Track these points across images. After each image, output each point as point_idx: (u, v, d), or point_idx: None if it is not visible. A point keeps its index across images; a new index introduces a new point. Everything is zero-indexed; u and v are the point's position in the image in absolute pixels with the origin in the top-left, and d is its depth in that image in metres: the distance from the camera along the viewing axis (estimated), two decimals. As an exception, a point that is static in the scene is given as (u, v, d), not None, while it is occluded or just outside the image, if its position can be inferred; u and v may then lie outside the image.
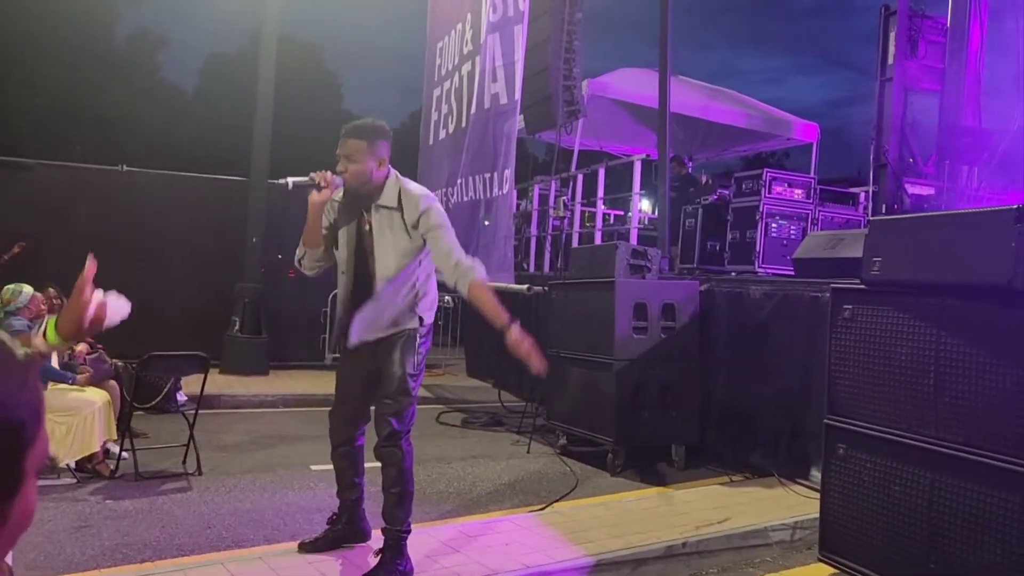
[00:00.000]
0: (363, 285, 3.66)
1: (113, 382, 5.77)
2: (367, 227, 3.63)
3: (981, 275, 2.92)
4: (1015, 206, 2.83)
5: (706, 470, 5.97)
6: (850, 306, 3.58)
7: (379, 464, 3.66)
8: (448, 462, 6.17)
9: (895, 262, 3.34)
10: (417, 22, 11.52)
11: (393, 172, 3.65)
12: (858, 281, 3.58)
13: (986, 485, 2.92)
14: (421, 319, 3.67)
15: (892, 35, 8.91)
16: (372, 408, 3.75)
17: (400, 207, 3.57)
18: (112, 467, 5.33)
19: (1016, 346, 2.85)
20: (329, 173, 3.51)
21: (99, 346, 5.95)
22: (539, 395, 7.38)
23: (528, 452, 6.58)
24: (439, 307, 12.65)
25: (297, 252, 3.74)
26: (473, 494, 5.33)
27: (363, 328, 3.62)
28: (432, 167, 10.12)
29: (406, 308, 3.63)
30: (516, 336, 3.39)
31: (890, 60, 8.88)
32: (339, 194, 3.66)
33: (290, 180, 3.49)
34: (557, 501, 5.04)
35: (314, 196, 3.51)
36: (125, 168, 10.22)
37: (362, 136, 3.53)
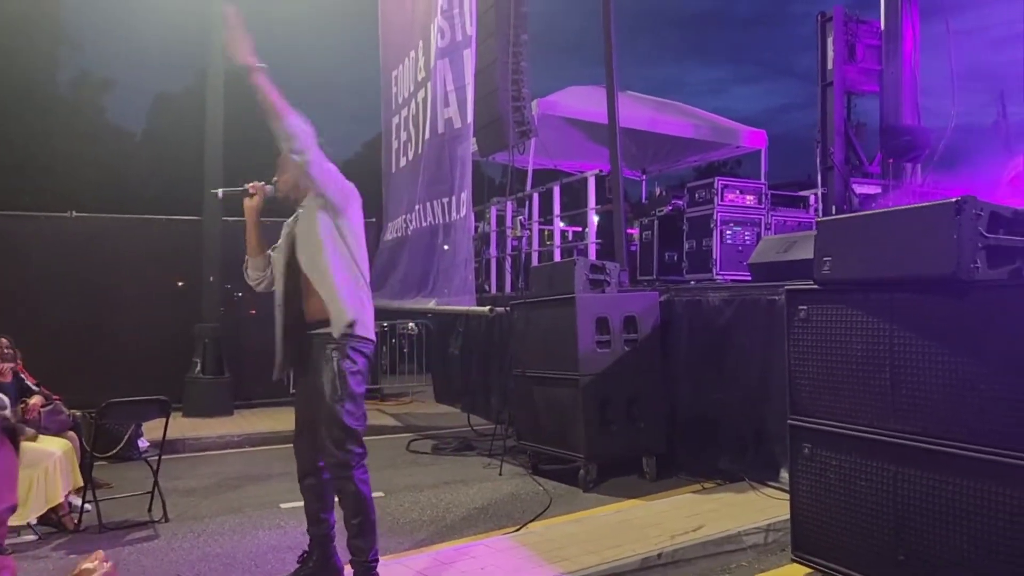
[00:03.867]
0: (297, 294, 3.70)
1: (72, 433, 5.62)
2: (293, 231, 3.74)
3: (927, 268, 2.99)
4: (954, 199, 2.91)
5: (678, 479, 6.00)
6: (805, 307, 3.63)
7: (339, 501, 3.64)
8: (420, 490, 6.11)
9: (845, 261, 3.40)
10: (366, 52, 11.55)
11: None
12: (811, 282, 3.64)
13: (945, 473, 2.97)
14: (352, 334, 3.59)
15: (830, 41, 9.12)
16: None
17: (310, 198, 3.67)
18: (76, 520, 5.18)
19: (964, 334, 2.92)
20: (259, 182, 3.76)
21: (55, 397, 5.79)
22: (508, 416, 7.37)
23: (500, 474, 6.54)
24: (404, 334, 12.52)
25: (244, 263, 3.86)
26: (447, 520, 5.28)
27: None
28: (395, 195, 10.12)
29: (337, 306, 3.58)
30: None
31: (829, 65, 9.09)
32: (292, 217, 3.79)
33: (220, 190, 3.63)
34: (531, 521, 5.02)
35: (247, 202, 3.78)
36: (75, 214, 10.04)
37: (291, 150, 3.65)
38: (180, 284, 10.02)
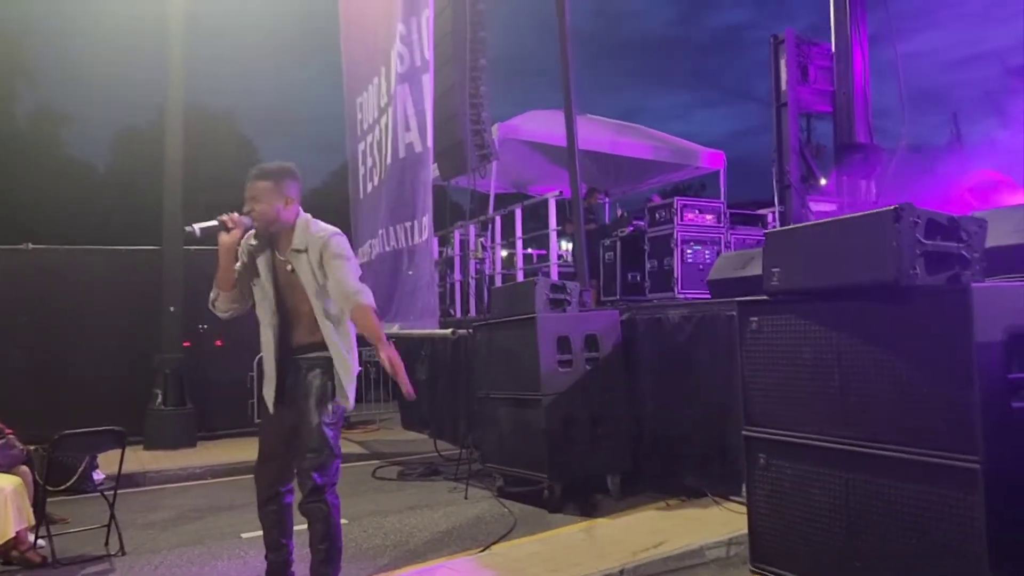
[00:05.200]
0: (287, 324, 3.67)
1: (24, 467, 5.48)
2: (288, 268, 3.66)
3: (869, 275, 3.05)
4: (892, 207, 2.98)
5: (643, 496, 5.99)
6: (756, 318, 3.68)
7: (307, 525, 3.59)
8: (384, 515, 6.05)
9: (792, 271, 3.46)
10: (329, 82, 11.59)
11: (304, 215, 3.71)
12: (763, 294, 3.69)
13: (893, 478, 3.01)
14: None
15: (783, 62, 9.32)
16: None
17: (306, 249, 3.61)
18: (43, 554, 5.04)
19: (907, 339, 2.97)
20: (236, 214, 3.58)
21: (8, 431, 5.66)
22: (474, 440, 7.33)
23: (466, 498, 6.50)
24: (371, 362, 12.49)
25: (211, 295, 3.74)
26: (410, 545, 5.22)
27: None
28: (363, 221, 10.11)
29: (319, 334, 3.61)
30: (389, 354, 3.39)
31: (783, 86, 9.27)
32: (253, 237, 3.70)
33: (196, 226, 3.52)
34: (495, 543, 4.98)
35: (223, 237, 3.57)
36: (31, 246, 9.87)
37: (267, 177, 3.62)
38: (172, 310, 9.76)
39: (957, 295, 2.84)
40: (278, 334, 3.68)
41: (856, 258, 3.11)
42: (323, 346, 3.61)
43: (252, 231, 3.69)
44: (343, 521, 5.70)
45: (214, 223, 3.56)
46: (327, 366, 3.60)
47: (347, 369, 3.63)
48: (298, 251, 3.62)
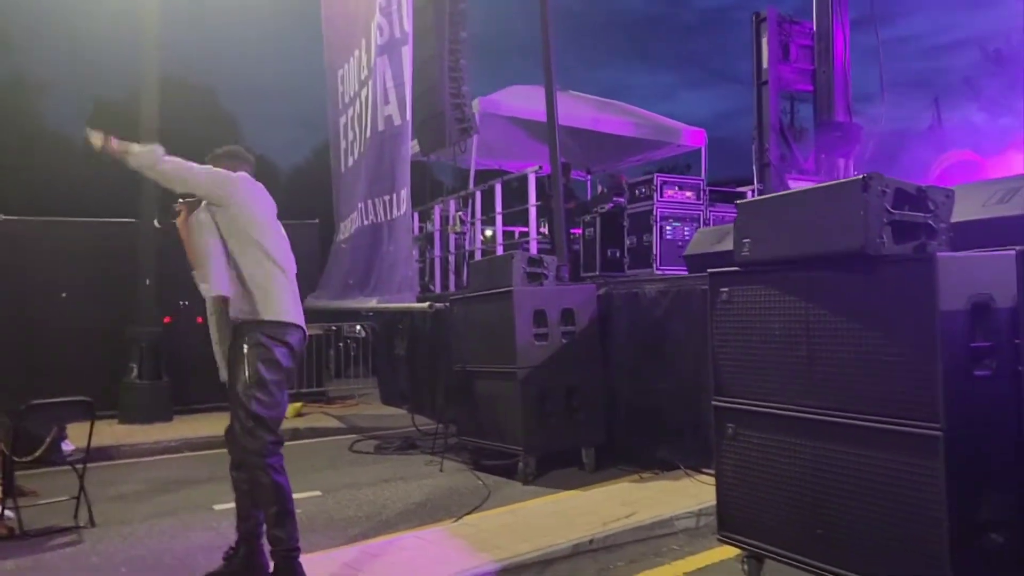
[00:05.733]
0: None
1: (-8, 439, 5.42)
2: None
3: (837, 244, 3.04)
4: (861, 176, 2.97)
5: (617, 470, 6.02)
6: (726, 289, 3.68)
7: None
8: (359, 488, 6.05)
9: (763, 241, 3.45)
10: (312, 57, 11.44)
11: None
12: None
13: (859, 446, 3.02)
14: (262, 321, 3.64)
15: (764, 41, 9.30)
16: None
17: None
18: (9, 526, 5.00)
19: (874, 308, 2.97)
20: (181, 200, 3.84)
21: (-25, 402, 5.60)
22: (451, 414, 7.33)
23: (441, 471, 6.51)
24: (351, 337, 12.38)
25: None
26: (383, 516, 5.22)
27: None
28: (344, 195, 10.02)
29: (236, 293, 3.68)
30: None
31: (764, 64, 9.26)
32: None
33: (156, 223, 3.76)
34: (468, 514, 4.98)
35: (177, 221, 3.89)
36: (3, 217, 9.73)
37: (213, 160, 3.89)
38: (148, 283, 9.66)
39: (922, 264, 2.84)
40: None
41: (825, 227, 3.10)
42: (249, 311, 3.66)
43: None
44: (316, 493, 5.80)
45: (172, 218, 3.96)
46: (253, 331, 3.61)
47: (266, 299, 3.66)
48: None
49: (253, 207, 3.73)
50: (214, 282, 3.67)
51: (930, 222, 3.00)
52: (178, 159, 3.64)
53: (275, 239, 3.73)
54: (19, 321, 9.46)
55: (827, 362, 3.19)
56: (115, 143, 3.58)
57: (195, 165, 3.71)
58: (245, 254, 3.64)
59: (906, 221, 2.98)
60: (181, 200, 3.86)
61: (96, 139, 3.59)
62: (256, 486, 3.51)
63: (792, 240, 3.30)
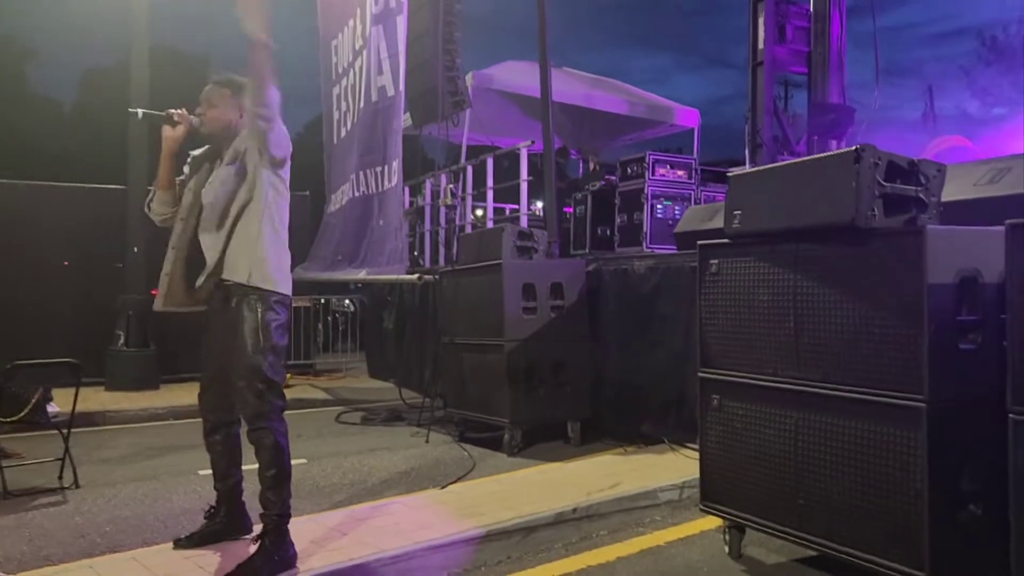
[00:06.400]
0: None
1: (-24, 400, 5.39)
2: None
3: (828, 216, 3.05)
4: (854, 148, 2.97)
5: (602, 444, 6.05)
6: (716, 261, 3.69)
7: (254, 453, 3.56)
8: (344, 456, 6.05)
9: (753, 213, 3.46)
10: (304, 30, 11.29)
11: None
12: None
13: (842, 418, 3.05)
14: (271, 285, 3.53)
15: (761, 21, 9.28)
16: None
17: (245, 150, 3.51)
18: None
19: (862, 281, 2.99)
20: (184, 111, 3.51)
21: (-41, 362, 5.55)
22: (438, 387, 7.34)
23: (427, 442, 6.52)
24: (340, 311, 12.33)
25: (148, 197, 3.69)
26: (368, 484, 5.23)
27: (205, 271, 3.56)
28: (336, 166, 9.95)
29: (245, 256, 3.50)
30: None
31: (760, 45, 9.24)
32: (201, 150, 3.67)
33: (140, 111, 3.46)
34: (452, 483, 5.00)
35: (167, 131, 3.52)
36: (-11, 180, 9.63)
37: (228, 86, 3.57)
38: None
39: (912, 237, 2.85)
40: (191, 247, 3.64)
41: (816, 199, 3.11)
42: (258, 278, 3.50)
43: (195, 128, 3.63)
44: (301, 461, 5.80)
45: (161, 114, 3.54)
46: (265, 296, 3.50)
47: (264, 260, 3.52)
48: (236, 154, 3.52)
49: (287, 173, 3.60)
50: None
51: (921, 196, 3.01)
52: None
53: (287, 209, 3.64)
54: (5, 286, 9.39)
55: (814, 334, 3.21)
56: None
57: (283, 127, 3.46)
58: (268, 219, 3.50)
59: (897, 194, 2.99)
60: (184, 112, 3.56)
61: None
62: (260, 448, 3.46)
63: (783, 212, 3.30)
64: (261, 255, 3.49)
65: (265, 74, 3.29)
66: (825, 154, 3.15)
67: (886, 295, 2.90)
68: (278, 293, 3.54)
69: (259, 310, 3.48)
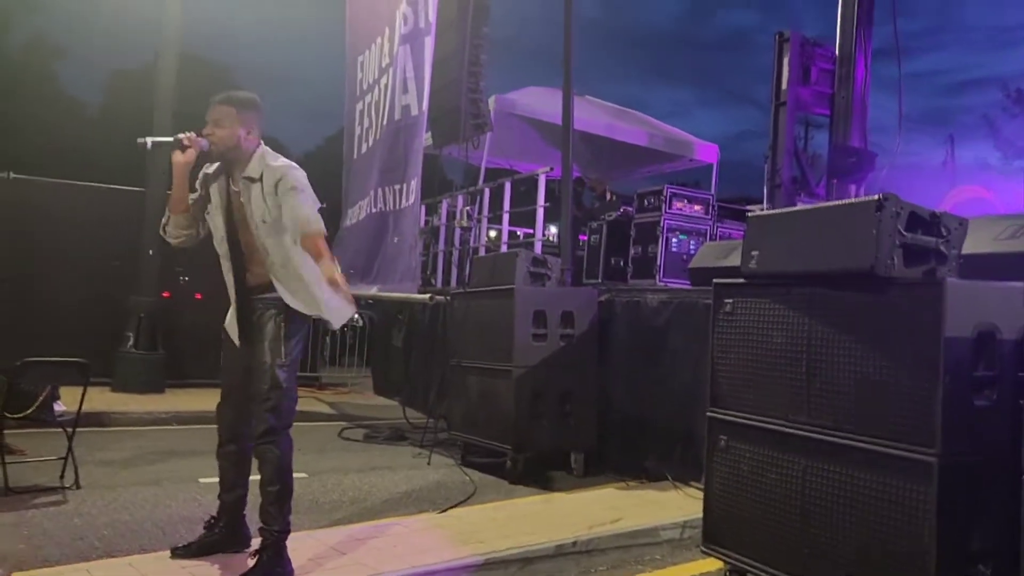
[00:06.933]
0: (239, 258, 3.63)
1: (-16, 393, 5.41)
2: (241, 200, 3.60)
3: (846, 262, 3.04)
4: (876, 196, 2.97)
5: (604, 476, 6.00)
6: (730, 300, 3.67)
7: (258, 466, 3.57)
8: (345, 473, 6.03)
9: (771, 255, 3.45)
10: (331, 48, 11.44)
11: (263, 147, 3.64)
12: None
13: (851, 467, 3.02)
14: (297, 308, 3.58)
15: (785, 61, 9.29)
16: None
17: (261, 179, 3.55)
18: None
19: (877, 330, 2.97)
20: (193, 134, 3.51)
21: (-31, 355, 5.59)
22: (442, 408, 7.32)
23: (429, 464, 6.49)
24: (348, 325, 12.39)
25: (163, 219, 3.70)
26: (368, 503, 5.21)
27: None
28: (355, 181, 10.02)
29: (305, 286, 3.56)
30: (333, 275, 3.43)
31: (784, 85, 9.25)
32: (213, 167, 3.67)
33: (149, 139, 3.46)
34: (453, 507, 4.97)
35: (177, 156, 3.51)
36: (11, 176, 9.71)
37: (231, 103, 3.59)
38: (151, 253, 9.65)
39: (931, 289, 2.83)
40: (234, 269, 3.65)
41: (835, 245, 3.10)
42: (273, 286, 3.56)
43: (212, 164, 3.67)
44: (302, 475, 5.76)
45: (169, 139, 3.52)
46: (280, 307, 3.55)
47: (311, 293, 3.57)
48: (251, 179, 3.55)
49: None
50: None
51: (942, 248, 3.00)
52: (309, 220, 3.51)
53: None
54: (20, 281, 9.43)
55: (826, 380, 3.19)
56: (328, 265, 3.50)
57: (304, 206, 3.51)
58: (294, 241, 3.54)
59: (918, 245, 2.97)
60: (193, 136, 3.53)
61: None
62: (265, 462, 3.47)
63: (801, 255, 3.29)
64: (297, 281, 3.57)
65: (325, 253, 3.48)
66: (847, 201, 3.15)
67: (902, 346, 2.88)
68: (299, 312, 3.59)
69: (281, 324, 3.54)
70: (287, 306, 3.54)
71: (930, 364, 2.77)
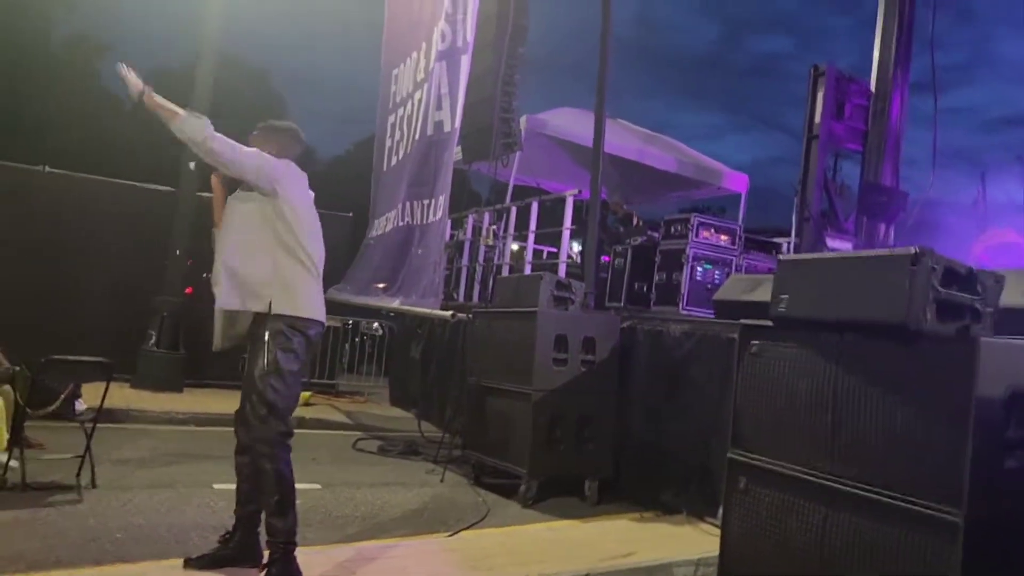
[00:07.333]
0: None
1: (7, 387, 5.47)
2: None
3: (878, 313, 3.00)
4: (912, 249, 2.93)
5: (618, 506, 5.94)
6: (757, 342, 3.63)
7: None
8: (358, 487, 6.02)
9: (800, 299, 3.41)
10: (367, 55, 11.54)
11: (291, 165, 3.79)
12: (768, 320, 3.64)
13: (874, 520, 2.97)
14: (291, 311, 3.61)
15: (820, 95, 9.26)
16: None
17: None
18: (8, 477, 5.03)
19: (907, 384, 2.93)
20: None
21: (-3, 347, 5.66)
22: (458, 425, 7.30)
23: (442, 481, 6.47)
24: (368, 334, 12.42)
25: (213, 238, 3.85)
26: (380, 519, 5.20)
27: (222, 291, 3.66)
28: (383, 193, 10.09)
29: (263, 282, 3.59)
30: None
31: (817, 119, 9.22)
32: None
33: (192, 163, 3.65)
34: (464, 529, 4.95)
35: (214, 177, 3.81)
36: (47, 169, 9.86)
37: (262, 128, 3.88)
38: (189, 263, 9.76)
39: (964, 346, 2.79)
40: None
41: (868, 295, 3.06)
42: (274, 304, 3.61)
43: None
44: (316, 486, 5.79)
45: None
46: (275, 320, 3.58)
47: (293, 294, 3.63)
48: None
49: (296, 200, 3.69)
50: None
51: (977, 305, 2.95)
52: (226, 138, 3.61)
53: (311, 233, 3.72)
54: (49, 274, 9.55)
55: (852, 430, 3.14)
56: (157, 97, 3.53)
57: (244, 147, 3.68)
58: (280, 246, 3.61)
59: (952, 301, 2.93)
60: None
61: (133, 81, 3.55)
62: (260, 473, 3.49)
63: (831, 303, 3.25)
64: (276, 283, 3.62)
65: (164, 108, 3.57)
66: (882, 252, 3.11)
67: (931, 401, 2.84)
68: (296, 318, 3.62)
69: (267, 334, 3.57)
70: (276, 320, 3.59)
71: (960, 422, 2.73)
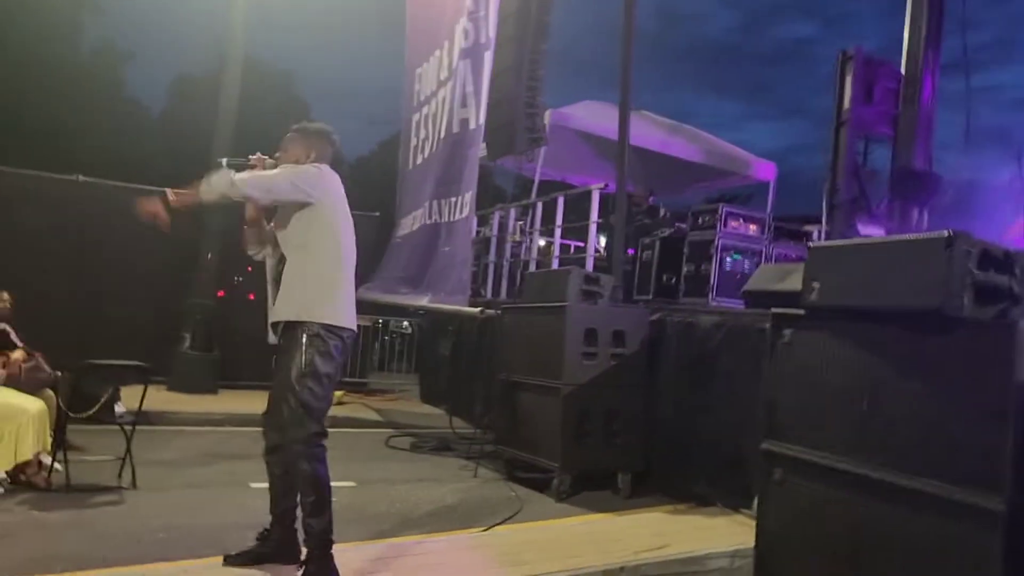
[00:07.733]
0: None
1: (50, 392, 5.59)
2: None
3: (913, 300, 2.96)
4: (946, 233, 2.88)
5: (651, 499, 5.93)
6: (789, 331, 3.60)
7: None
8: (392, 484, 6.07)
9: (833, 287, 3.37)
10: (390, 57, 11.59)
11: (324, 168, 3.81)
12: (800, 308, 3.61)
13: (910, 510, 2.93)
14: (328, 319, 3.64)
15: (848, 80, 9.10)
16: None
17: None
18: (47, 479, 5.16)
19: (943, 371, 2.88)
20: (261, 155, 3.84)
21: (36, 354, 5.77)
22: (489, 421, 7.33)
23: (475, 477, 6.50)
24: (397, 332, 12.50)
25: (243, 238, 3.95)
26: (414, 515, 5.24)
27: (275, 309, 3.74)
28: (409, 192, 10.14)
29: (309, 294, 3.64)
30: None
31: (846, 104, 9.06)
32: None
33: (225, 160, 3.70)
34: (497, 524, 4.97)
35: (250, 207, 3.86)
36: (81, 178, 10.03)
37: (297, 130, 3.89)
38: (209, 256, 9.92)
39: (1003, 331, 2.74)
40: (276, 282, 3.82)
41: (902, 281, 3.02)
42: (309, 310, 3.63)
43: None
44: (350, 484, 5.84)
45: (243, 160, 3.83)
46: (314, 324, 3.61)
47: (331, 300, 3.67)
48: None
49: (332, 206, 3.70)
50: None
51: (1015, 288, 2.90)
52: (251, 174, 3.64)
53: (346, 237, 3.75)
54: (86, 279, 9.72)
55: (887, 419, 3.10)
56: (177, 193, 3.64)
57: (269, 172, 3.70)
58: (322, 252, 3.64)
59: (989, 285, 2.88)
60: (261, 157, 3.85)
61: (157, 211, 3.70)
62: (296, 474, 3.53)
63: (864, 290, 3.21)
64: (315, 288, 3.66)
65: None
66: (915, 236, 3.06)
67: (969, 389, 2.79)
68: (335, 328, 3.65)
69: (304, 337, 3.60)
70: (312, 323, 3.63)
71: (1000, 410, 2.68)
